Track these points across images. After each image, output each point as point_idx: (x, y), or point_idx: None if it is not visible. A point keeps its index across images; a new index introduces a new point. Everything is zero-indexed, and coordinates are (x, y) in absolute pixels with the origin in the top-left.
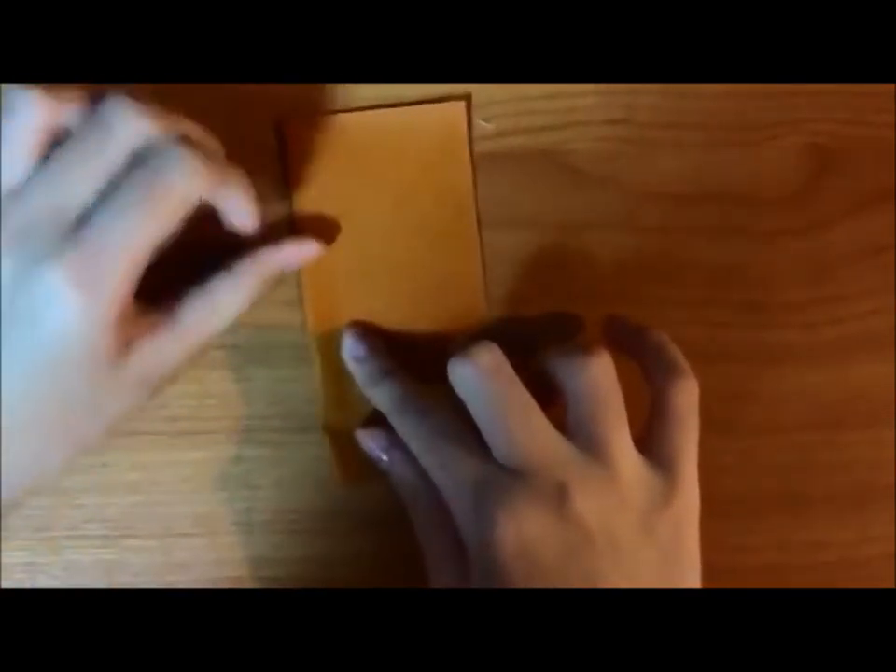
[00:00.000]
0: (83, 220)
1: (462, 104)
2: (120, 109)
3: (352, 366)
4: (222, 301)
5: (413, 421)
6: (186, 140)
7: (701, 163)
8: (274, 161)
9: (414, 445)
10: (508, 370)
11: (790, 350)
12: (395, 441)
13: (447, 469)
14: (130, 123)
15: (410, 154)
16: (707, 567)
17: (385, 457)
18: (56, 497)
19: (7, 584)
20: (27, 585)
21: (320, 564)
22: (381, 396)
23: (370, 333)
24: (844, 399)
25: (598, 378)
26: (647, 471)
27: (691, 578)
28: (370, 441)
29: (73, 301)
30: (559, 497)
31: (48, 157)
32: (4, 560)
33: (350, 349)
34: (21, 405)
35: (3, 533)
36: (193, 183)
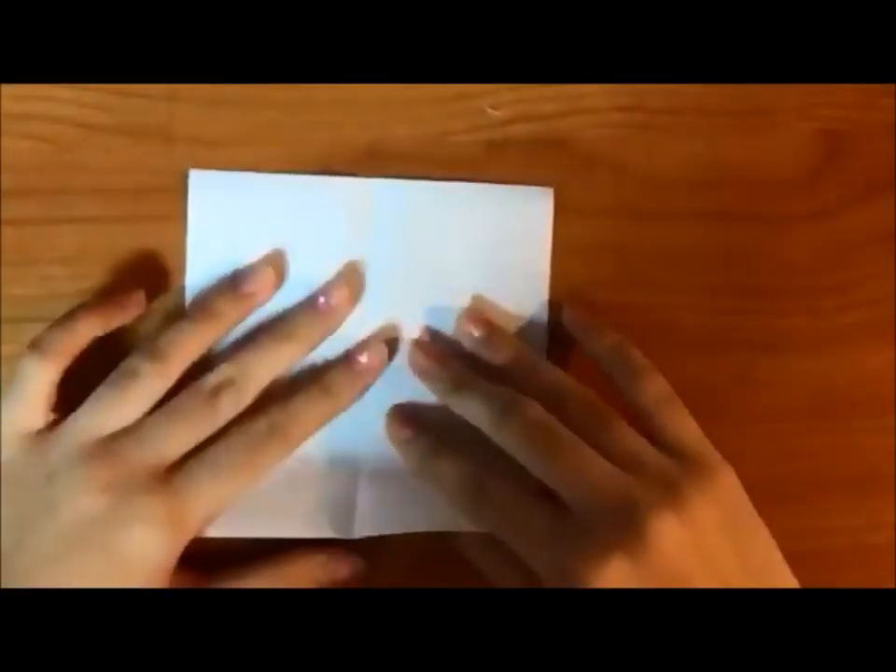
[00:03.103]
0: (177, 465)
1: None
2: (233, 395)
3: (401, 449)
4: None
5: (472, 501)
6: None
7: (709, 149)
8: None
9: (483, 524)
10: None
11: (797, 336)
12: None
13: (521, 537)
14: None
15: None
16: None
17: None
18: None
19: None
20: None
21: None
22: (438, 475)
23: (410, 411)
24: (851, 386)
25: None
26: (674, 468)
27: (763, 546)
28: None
29: (157, 540)
30: (637, 533)
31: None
32: None
33: (396, 435)
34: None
35: None
36: (279, 455)
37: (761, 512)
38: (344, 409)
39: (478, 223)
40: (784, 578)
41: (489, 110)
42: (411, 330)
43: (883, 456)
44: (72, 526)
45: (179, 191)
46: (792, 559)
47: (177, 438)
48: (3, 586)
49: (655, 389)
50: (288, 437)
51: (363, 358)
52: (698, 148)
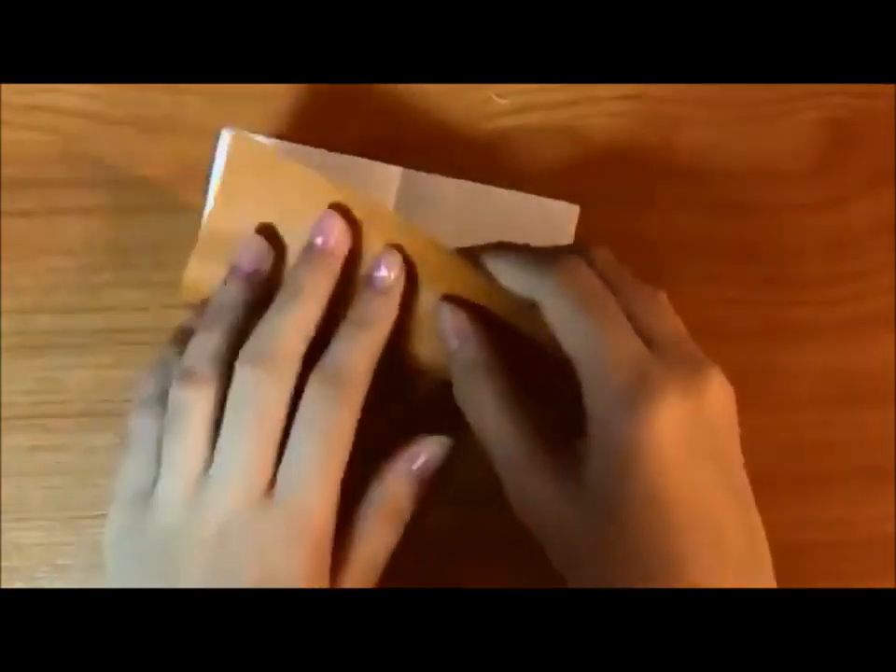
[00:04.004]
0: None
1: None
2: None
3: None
4: (378, 538)
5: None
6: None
7: (717, 138)
8: None
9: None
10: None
11: (808, 326)
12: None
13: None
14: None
15: None
16: None
17: (455, 339)
18: (76, 476)
19: (26, 562)
20: (46, 564)
21: None
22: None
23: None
24: (863, 376)
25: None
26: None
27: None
28: (451, 318)
29: (297, 562)
30: (699, 392)
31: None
32: (22, 540)
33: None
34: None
35: (22, 514)
36: (350, 404)
37: (772, 503)
38: (385, 336)
39: (499, 227)
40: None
41: (496, 98)
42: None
43: (893, 446)
44: (203, 578)
45: (185, 182)
46: (800, 550)
47: (252, 460)
48: None
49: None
50: (346, 388)
51: (381, 272)
52: (705, 138)
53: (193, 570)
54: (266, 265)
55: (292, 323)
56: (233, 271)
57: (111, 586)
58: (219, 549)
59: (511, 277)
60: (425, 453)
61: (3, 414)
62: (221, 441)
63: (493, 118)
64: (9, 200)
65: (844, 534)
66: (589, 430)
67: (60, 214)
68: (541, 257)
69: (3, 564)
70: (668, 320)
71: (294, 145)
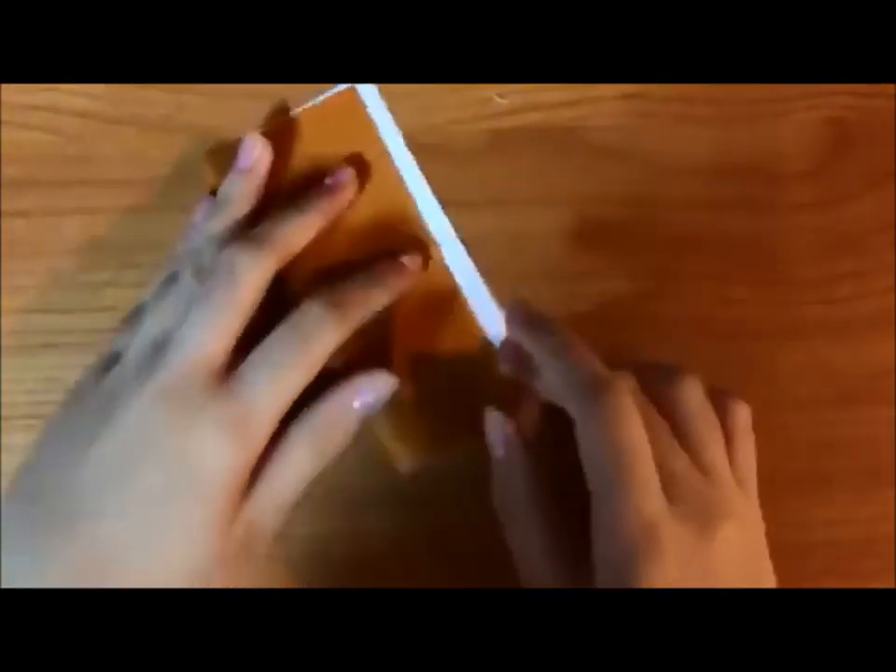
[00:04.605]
0: (230, 369)
1: (354, 88)
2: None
3: (512, 331)
4: (302, 461)
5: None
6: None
7: (719, 138)
8: None
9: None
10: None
11: (810, 326)
12: (517, 433)
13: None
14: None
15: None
16: None
17: (502, 448)
18: None
19: None
20: None
21: (324, 540)
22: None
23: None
24: (865, 376)
25: (703, 399)
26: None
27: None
28: (499, 427)
29: (223, 450)
30: (709, 524)
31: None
32: None
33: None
34: (142, 536)
35: None
36: (333, 339)
37: (774, 503)
38: (389, 301)
39: None
40: None
41: (496, 98)
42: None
43: (894, 446)
44: (131, 437)
45: (186, 182)
46: (803, 549)
47: (210, 327)
48: (77, 498)
49: (697, 398)
50: (342, 316)
51: (405, 259)
52: (706, 137)
53: (126, 422)
54: (261, 165)
55: (299, 228)
56: (234, 166)
57: (44, 432)
58: (153, 408)
59: (551, 387)
60: (372, 391)
61: (3, 414)
62: (190, 311)
63: (493, 117)
64: (9, 199)
65: (844, 534)
66: (595, 559)
67: (60, 214)
68: (589, 376)
69: None
70: (717, 457)
71: None
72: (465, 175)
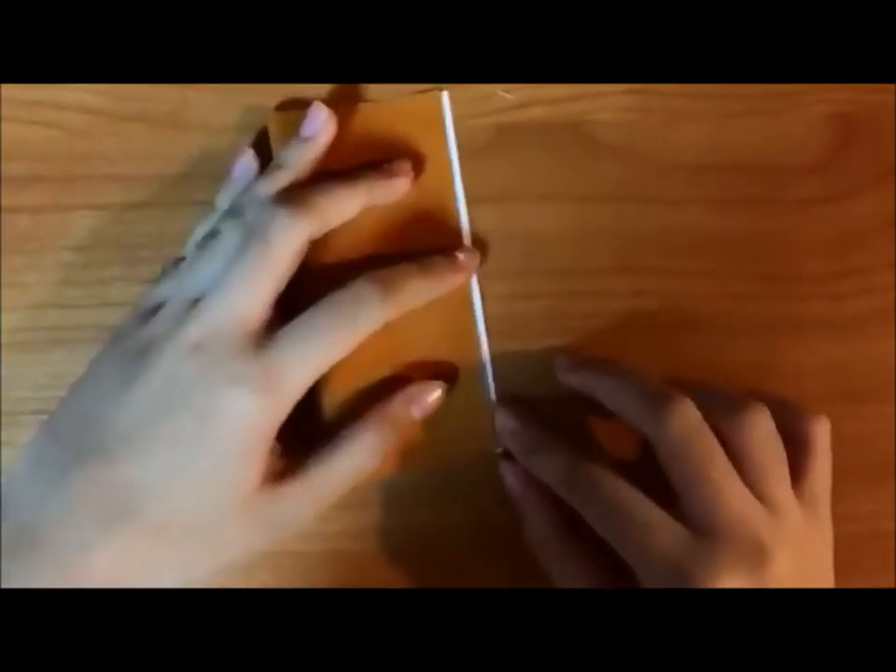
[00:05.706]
0: (268, 332)
1: (441, 94)
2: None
3: (507, 439)
4: (350, 464)
5: (586, 489)
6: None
7: (722, 133)
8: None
9: (591, 514)
10: (707, 426)
11: (814, 322)
12: (532, 481)
13: (634, 541)
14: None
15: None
16: None
17: (520, 496)
18: None
19: None
20: None
21: (355, 537)
22: (544, 466)
23: (518, 403)
24: (869, 372)
25: (769, 430)
26: (806, 519)
27: None
28: (512, 477)
29: (247, 406)
30: (761, 560)
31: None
32: None
33: (503, 423)
34: (165, 478)
35: None
36: (377, 318)
37: None
38: (440, 293)
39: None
40: None
41: (502, 93)
42: None
43: (895, 442)
44: (161, 387)
45: (193, 178)
46: None
47: (244, 287)
48: (111, 435)
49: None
50: (391, 299)
51: (461, 255)
52: (712, 132)
53: (159, 371)
54: (323, 136)
55: (344, 199)
56: (297, 133)
57: (87, 367)
58: (185, 362)
59: (624, 410)
60: (427, 398)
61: (10, 410)
62: (226, 269)
63: (499, 112)
64: (16, 196)
65: (844, 531)
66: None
67: (66, 210)
68: (657, 388)
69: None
70: (780, 489)
71: None
72: (470, 169)
